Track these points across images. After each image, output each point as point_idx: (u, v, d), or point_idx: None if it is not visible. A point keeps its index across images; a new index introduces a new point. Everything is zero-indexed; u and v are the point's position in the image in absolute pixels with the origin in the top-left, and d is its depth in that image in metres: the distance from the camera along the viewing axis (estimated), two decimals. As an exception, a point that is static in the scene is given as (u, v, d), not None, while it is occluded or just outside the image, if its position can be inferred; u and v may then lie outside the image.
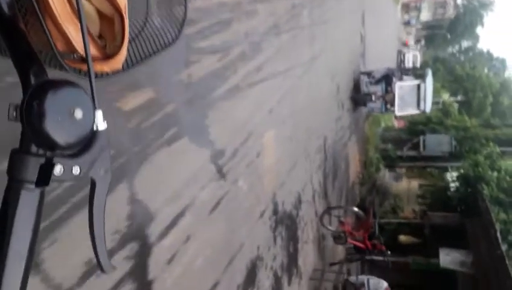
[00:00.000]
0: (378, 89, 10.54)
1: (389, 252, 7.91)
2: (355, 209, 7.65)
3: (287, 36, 5.57)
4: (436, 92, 33.12)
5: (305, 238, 6.32)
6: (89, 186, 0.65)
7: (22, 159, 0.59)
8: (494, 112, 27.28)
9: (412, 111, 10.96)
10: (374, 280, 6.38)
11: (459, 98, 32.19)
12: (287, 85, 5.58)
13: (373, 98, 10.44)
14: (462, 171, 13.12)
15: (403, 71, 11.41)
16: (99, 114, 0.64)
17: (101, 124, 0.64)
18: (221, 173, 3.55)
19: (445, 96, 32.62)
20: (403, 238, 12.33)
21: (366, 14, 13.33)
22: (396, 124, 26.04)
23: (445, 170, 15.46)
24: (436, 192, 13.56)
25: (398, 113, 10.68)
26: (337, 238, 7.46)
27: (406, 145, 16.33)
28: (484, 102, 27.91)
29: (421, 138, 15.82)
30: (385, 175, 16.99)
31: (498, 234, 9.00)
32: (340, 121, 9.52)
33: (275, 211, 4.98)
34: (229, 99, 3.70)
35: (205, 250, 3.22)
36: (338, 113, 9.35)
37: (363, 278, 6.52)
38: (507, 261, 8.32)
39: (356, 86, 10.80)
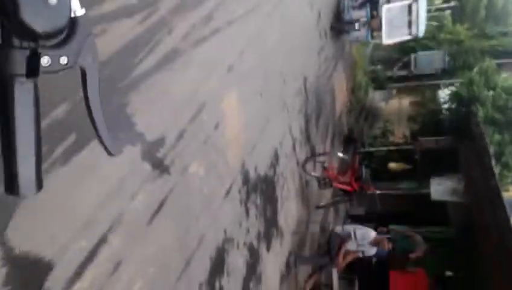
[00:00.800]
0: (362, 15, 9.02)
1: (377, 192, 7.52)
2: (340, 154, 7.10)
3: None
4: None
5: (285, 194, 5.80)
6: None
7: (6, 54, 0.59)
8: (488, 16, 25.79)
9: (403, 37, 9.62)
10: (361, 230, 6.00)
11: (452, 3, 30.34)
12: (251, 30, 4.64)
13: (356, 26, 8.94)
14: (455, 89, 12.39)
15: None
16: (75, 0, 0.64)
17: (78, 10, 0.64)
18: (161, 168, 2.85)
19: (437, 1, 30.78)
20: (393, 165, 12.00)
21: None
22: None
23: (438, 87, 14.69)
24: (427, 114, 12.93)
25: (386, 41, 9.30)
26: (322, 183, 6.99)
27: (396, 65, 15.36)
28: (478, 5, 26.25)
29: (412, 56, 14.79)
30: (374, 97, 16.27)
31: (492, 162, 8.56)
32: (323, 51, 8.56)
33: (246, 181, 4.37)
34: (162, 71, 2.87)
35: (146, 269, 2.63)
36: (320, 44, 8.36)
37: (350, 228, 6.14)
38: (501, 191, 7.99)
39: (338, 12, 9.41)
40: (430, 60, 14.49)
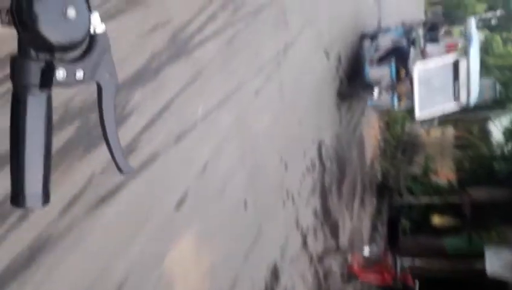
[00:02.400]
0: (384, 74, 6.20)
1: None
2: (366, 251, 5.64)
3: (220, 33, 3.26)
4: (470, 8, 28.64)
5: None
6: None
7: (21, 64, 0.59)
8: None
9: (445, 108, 6.95)
10: None
11: (498, 12, 27.82)
12: (228, 121, 3.37)
13: (375, 92, 6.18)
14: (510, 126, 10.55)
15: (428, 33, 6.71)
16: (95, 16, 0.63)
17: (98, 25, 0.64)
18: None
19: (481, 9, 28.16)
20: (437, 219, 10.25)
21: None
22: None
23: (488, 120, 12.80)
24: (477, 158, 11.09)
25: (419, 115, 6.68)
26: (347, 277, 5.56)
27: (437, 95, 13.57)
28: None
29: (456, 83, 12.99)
30: (412, 127, 14.51)
31: None
32: (345, 102, 7.14)
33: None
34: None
35: None
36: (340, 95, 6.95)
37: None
38: None
39: (357, 63, 6.82)
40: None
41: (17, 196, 0.60)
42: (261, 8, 4.02)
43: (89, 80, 0.63)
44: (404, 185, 11.37)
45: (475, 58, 6.74)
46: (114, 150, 0.65)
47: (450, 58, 6.58)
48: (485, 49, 13.45)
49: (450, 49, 7.18)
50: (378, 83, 6.28)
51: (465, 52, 6.55)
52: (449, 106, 7.07)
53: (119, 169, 0.66)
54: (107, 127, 0.65)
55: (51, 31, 0.58)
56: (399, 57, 6.26)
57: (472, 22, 7.14)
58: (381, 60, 6.44)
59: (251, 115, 3.76)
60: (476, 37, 6.99)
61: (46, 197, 0.63)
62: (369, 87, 6.35)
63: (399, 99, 6.55)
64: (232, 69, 3.44)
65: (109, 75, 0.65)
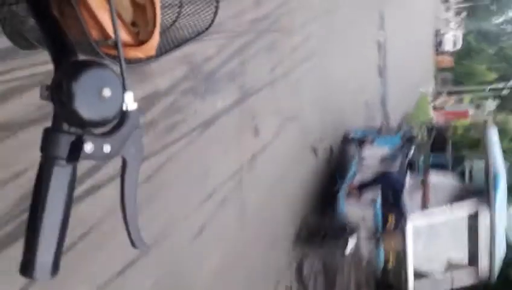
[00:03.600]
0: (366, 215, 4.32)
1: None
2: None
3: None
4: (481, 76, 27.64)
5: None
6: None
7: (53, 137, 0.62)
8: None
9: (456, 280, 4.62)
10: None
11: (510, 83, 27.27)
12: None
13: (349, 244, 4.16)
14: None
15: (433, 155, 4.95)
16: (129, 95, 0.65)
17: (131, 104, 0.65)
18: None
19: (491, 78, 27.46)
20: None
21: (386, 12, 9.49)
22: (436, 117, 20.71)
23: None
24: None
25: None
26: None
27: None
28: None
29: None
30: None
31: None
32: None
33: None
34: None
35: None
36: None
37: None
38: None
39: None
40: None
41: (27, 266, 0.61)
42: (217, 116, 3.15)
43: (116, 154, 0.65)
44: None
45: (502, 207, 4.49)
46: (130, 226, 0.65)
47: (465, 211, 4.44)
48: (500, 131, 12.23)
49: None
50: (353, 227, 4.22)
51: (487, 200, 4.37)
52: (461, 279, 4.69)
53: (134, 245, 0.66)
54: (126, 202, 0.65)
55: (86, 109, 0.60)
56: (387, 188, 4.38)
57: (493, 137, 5.00)
58: (363, 187, 4.56)
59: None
60: (504, 176, 4.58)
61: (55, 268, 0.63)
62: (342, 232, 4.20)
63: (385, 259, 4.49)
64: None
65: (135, 150, 0.66)
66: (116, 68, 0.66)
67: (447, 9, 33.83)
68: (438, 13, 26.48)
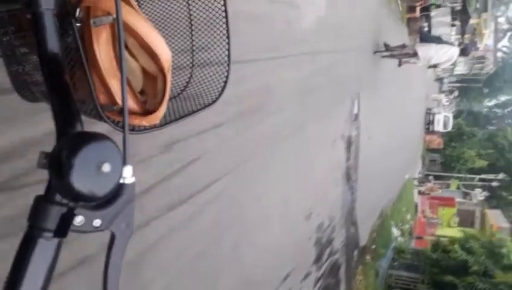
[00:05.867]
0: None
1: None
2: None
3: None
4: (470, 162, 27.30)
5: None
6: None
7: (44, 208, 0.61)
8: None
9: None
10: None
11: (500, 176, 26.98)
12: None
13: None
14: None
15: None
16: (128, 169, 0.64)
17: (128, 178, 0.65)
18: None
19: (480, 164, 27.29)
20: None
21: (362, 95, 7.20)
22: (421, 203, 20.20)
23: None
24: None
25: None
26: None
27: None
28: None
29: None
30: None
31: None
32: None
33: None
34: None
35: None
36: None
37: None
38: None
39: None
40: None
41: None
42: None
43: (105, 228, 0.63)
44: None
45: None
46: None
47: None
48: (493, 255, 10.02)
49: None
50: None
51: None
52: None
53: None
54: (109, 276, 0.63)
55: (82, 183, 0.58)
56: None
57: None
58: None
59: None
60: None
61: None
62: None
63: None
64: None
65: (125, 225, 0.64)
66: (118, 137, 0.65)
67: (440, 89, 34.38)
68: (430, 92, 26.56)
